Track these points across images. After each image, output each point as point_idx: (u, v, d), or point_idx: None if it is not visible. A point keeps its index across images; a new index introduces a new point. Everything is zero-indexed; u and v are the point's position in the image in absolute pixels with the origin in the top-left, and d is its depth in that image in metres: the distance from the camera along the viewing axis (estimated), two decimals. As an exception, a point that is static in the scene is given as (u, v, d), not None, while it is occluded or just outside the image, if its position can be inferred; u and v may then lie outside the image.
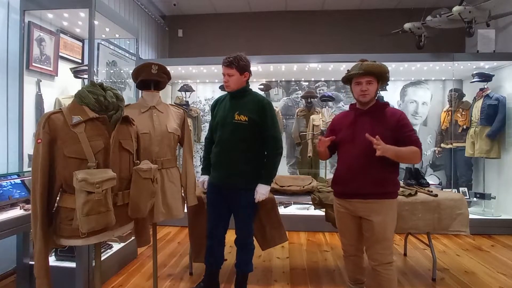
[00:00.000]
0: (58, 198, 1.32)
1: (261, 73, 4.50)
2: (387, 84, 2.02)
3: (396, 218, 1.80)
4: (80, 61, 3.18)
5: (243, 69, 1.96)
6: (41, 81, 2.70)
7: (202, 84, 5.19)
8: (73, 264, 2.22)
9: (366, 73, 1.73)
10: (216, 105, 2.13)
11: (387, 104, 1.86)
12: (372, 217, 1.72)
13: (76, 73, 2.90)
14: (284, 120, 4.97)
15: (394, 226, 1.79)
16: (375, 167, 1.71)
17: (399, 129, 1.71)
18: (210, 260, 2.13)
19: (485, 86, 3.86)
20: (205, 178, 2.16)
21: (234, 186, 1.98)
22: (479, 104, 3.85)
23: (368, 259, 1.80)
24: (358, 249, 1.91)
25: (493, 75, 3.84)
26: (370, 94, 1.76)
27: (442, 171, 4.62)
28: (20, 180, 2.05)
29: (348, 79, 1.85)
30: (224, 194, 2.02)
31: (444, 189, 3.50)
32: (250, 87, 2.10)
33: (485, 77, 3.83)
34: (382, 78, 1.78)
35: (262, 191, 1.98)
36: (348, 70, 1.84)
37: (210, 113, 5.20)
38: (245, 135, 1.96)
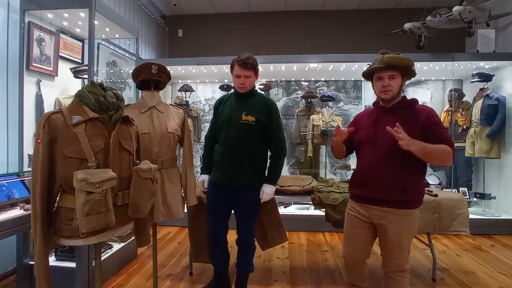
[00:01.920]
0: (58, 198, 1.32)
1: (261, 73, 4.42)
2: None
3: (416, 228, 1.63)
4: (80, 61, 3.18)
5: (257, 70, 1.99)
6: (41, 81, 2.70)
7: (202, 84, 5.19)
8: (73, 264, 2.23)
9: (388, 67, 1.54)
10: (220, 105, 2.11)
11: (415, 100, 1.63)
12: (387, 226, 1.57)
13: (76, 73, 2.90)
14: (284, 120, 4.96)
15: (412, 236, 1.64)
16: (397, 172, 1.53)
17: (428, 127, 1.50)
18: (217, 259, 2.13)
19: (485, 86, 3.86)
20: (205, 177, 2.15)
21: (238, 186, 1.98)
22: (479, 104, 3.85)
23: (381, 265, 1.68)
24: (361, 261, 1.75)
25: (493, 75, 3.84)
26: (393, 90, 1.57)
27: (442, 171, 4.61)
28: (20, 180, 2.05)
29: (369, 74, 1.66)
30: (226, 193, 2.02)
31: (444, 189, 3.50)
32: None
33: (485, 77, 3.82)
34: (407, 71, 1.58)
35: (268, 191, 1.98)
36: (369, 65, 1.65)
37: (210, 113, 5.17)
38: (251, 136, 1.95)
